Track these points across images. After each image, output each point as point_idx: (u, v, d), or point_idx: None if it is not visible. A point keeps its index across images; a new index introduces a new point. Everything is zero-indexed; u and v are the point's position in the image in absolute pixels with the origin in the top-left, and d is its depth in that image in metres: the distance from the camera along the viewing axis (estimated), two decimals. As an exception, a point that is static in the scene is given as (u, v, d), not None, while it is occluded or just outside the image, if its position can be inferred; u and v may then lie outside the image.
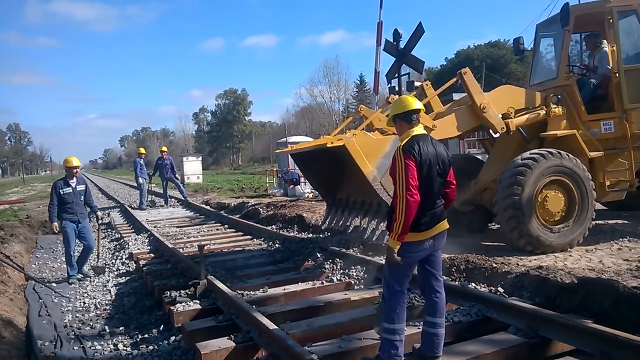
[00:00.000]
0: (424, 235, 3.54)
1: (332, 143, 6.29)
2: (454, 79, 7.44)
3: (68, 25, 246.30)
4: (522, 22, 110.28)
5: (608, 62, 7.74)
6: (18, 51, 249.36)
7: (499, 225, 7.37)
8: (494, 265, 5.84)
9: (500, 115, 7.33)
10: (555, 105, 7.44)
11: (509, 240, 7.04)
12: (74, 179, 8.20)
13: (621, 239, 7.13)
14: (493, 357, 3.77)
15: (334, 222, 7.71)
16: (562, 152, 6.98)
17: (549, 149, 7.00)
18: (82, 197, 8.29)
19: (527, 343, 3.92)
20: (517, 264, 5.91)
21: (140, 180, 17.28)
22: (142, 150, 19.04)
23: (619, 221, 8.42)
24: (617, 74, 7.48)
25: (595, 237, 7.44)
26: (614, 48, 7.54)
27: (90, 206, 8.61)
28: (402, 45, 12.69)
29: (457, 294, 5.02)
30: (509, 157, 7.40)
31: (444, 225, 3.67)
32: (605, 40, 7.99)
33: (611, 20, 7.53)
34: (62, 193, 8.05)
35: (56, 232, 8.41)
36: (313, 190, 18.07)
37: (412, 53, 12.55)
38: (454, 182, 3.79)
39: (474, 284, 5.48)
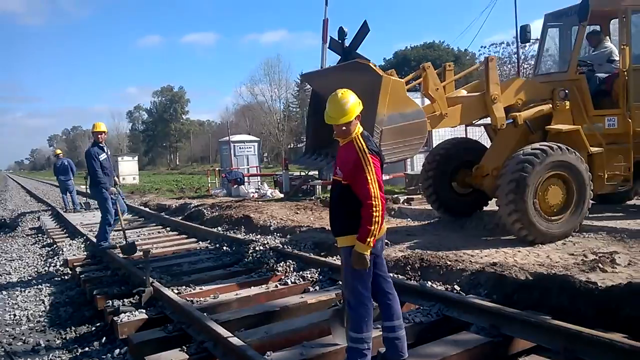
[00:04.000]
0: (381, 233, 3.46)
1: (374, 66, 6.34)
2: (477, 65, 7.53)
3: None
4: (457, 24, 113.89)
5: (615, 60, 8.00)
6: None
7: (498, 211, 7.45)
8: (448, 262, 5.84)
9: (506, 107, 7.48)
10: (563, 100, 7.59)
11: (505, 224, 7.20)
12: (104, 145, 8.12)
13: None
14: (458, 358, 3.71)
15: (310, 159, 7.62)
16: (569, 148, 7.14)
17: (558, 144, 7.13)
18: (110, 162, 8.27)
19: (492, 342, 3.89)
20: (470, 261, 5.94)
21: (72, 181, 16.41)
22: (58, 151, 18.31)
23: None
24: (626, 73, 7.69)
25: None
26: (624, 46, 7.65)
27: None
28: (347, 43, 12.63)
29: (416, 293, 4.97)
30: (512, 146, 7.56)
31: (385, 228, 3.61)
32: (607, 37, 8.29)
33: (625, 19, 7.75)
34: (101, 159, 7.87)
35: (114, 196, 8.22)
36: (257, 190, 17.77)
37: (357, 51, 12.52)
38: None
39: (430, 283, 5.44)
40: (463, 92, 8.10)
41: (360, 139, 3.41)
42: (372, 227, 3.26)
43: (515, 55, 27.92)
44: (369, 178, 3.28)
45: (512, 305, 4.43)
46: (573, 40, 8.19)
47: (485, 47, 41.57)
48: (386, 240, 7.36)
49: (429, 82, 7.04)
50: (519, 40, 22.91)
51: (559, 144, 7.12)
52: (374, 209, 3.25)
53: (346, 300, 3.59)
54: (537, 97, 7.76)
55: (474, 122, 8.49)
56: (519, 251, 6.67)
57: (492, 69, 7.37)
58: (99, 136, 8.39)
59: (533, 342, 3.85)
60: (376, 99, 6.07)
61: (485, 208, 9.11)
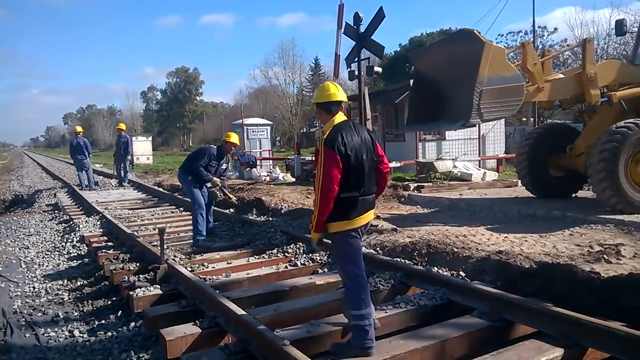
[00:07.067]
0: (355, 223, 3.60)
1: (478, 32, 7.16)
2: (574, 45, 8.36)
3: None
4: (474, 11, 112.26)
5: None
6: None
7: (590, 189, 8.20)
8: (455, 249, 5.96)
9: (602, 87, 8.15)
10: None
11: (600, 198, 7.81)
12: (225, 156, 8.05)
13: (572, 226, 7.39)
14: (460, 341, 3.83)
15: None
16: None
17: None
18: (220, 173, 8.13)
19: (492, 326, 4.01)
20: (477, 249, 6.05)
21: (87, 160, 16.64)
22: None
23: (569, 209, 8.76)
24: None
25: (548, 223, 7.71)
26: None
27: (222, 184, 8.34)
28: (362, 29, 12.65)
29: (422, 278, 5.10)
30: (607, 126, 7.97)
31: (372, 213, 3.78)
32: None
33: None
34: (210, 164, 7.77)
35: (218, 186, 8.10)
36: (269, 174, 17.93)
37: (372, 38, 12.54)
38: (383, 154, 3.88)
39: (436, 268, 5.56)
40: (560, 76, 8.73)
41: (330, 130, 3.56)
42: (314, 214, 3.54)
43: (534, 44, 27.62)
44: (319, 168, 3.47)
45: (515, 292, 4.53)
46: None
47: (502, 35, 41.15)
48: (394, 226, 7.55)
49: (528, 57, 7.88)
50: (535, 29, 22.71)
51: None
52: (316, 197, 3.50)
53: (343, 282, 3.77)
54: (633, 80, 8.34)
55: (570, 105, 9.37)
56: (525, 240, 6.76)
57: (589, 50, 8.18)
58: (230, 147, 7.91)
59: (534, 328, 3.97)
60: (478, 63, 6.81)
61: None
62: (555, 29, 38.68)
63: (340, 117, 3.64)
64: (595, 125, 8.75)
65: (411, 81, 15.90)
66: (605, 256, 5.51)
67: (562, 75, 8.77)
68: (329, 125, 3.60)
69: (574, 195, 9.82)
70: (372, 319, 3.60)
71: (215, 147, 7.98)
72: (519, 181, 10.30)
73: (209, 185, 8.02)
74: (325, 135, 3.53)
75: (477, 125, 8.66)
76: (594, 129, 8.65)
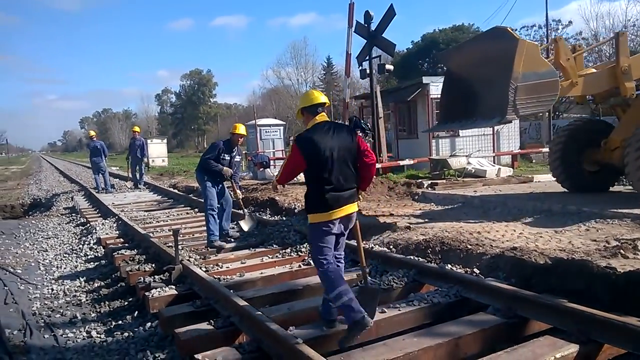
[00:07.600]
0: (330, 216, 3.82)
1: (511, 29, 7.31)
2: (607, 40, 8.56)
3: (31, 2, 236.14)
4: (486, 6, 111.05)
5: None
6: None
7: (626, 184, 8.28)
8: (469, 247, 5.93)
9: (637, 80, 8.17)
10: None
11: (636, 188, 7.92)
12: (236, 148, 7.91)
13: (588, 221, 7.31)
14: (473, 338, 3.82)
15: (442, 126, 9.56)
16: None
17: None
18: (235, 165, 8.00)
19: (506, 323, 3.99)
20: (491, 245, 6.02)
21: (104, 163, 16.83)
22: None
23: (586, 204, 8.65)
24: None
25: (563, 218, 7.64)
26: None
27: (233, 179, 8.10)
28: (373, 27, 12.64)
29: (435, 275, 5.09)
30: None
31: (351, 208, 3.95)
32: None
33: None
34: (220, 157, 7.67)
35: (229, 174, 7.81)
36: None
37: (383, 35, 12.52)
38: (366, 148, 4.06)
39: (449, 266, 5.55)
40: (593, 70, 8.76)
41: (306, 130, 3.98)
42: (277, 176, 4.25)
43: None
44: (287, 157, 4.05)
45: (530, 289, 4.51)
46: None
47: (516, 29, 40.71)
48: (407, 224, 7.54)
49: (561, 52, 7.98)
50: (549, 23, 22.45)
51: None
52: (279, 172, 4.16)
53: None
54: None
55: (603, 100, 9.30)
56: (541, 236, 6.70)
57: (622, 43, 8.23)
58: (237, 138, 7.78)
59: (548, 324, 3.94)
60: (512, 60, 6.86)
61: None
62: (570, 22, 38.24)
63: (320, 118, 4.00)
64: (630, 119, 8.71)
65: (423, 78, 15.90)
66: (622, 251, 5.45)
67: (594, 70, 8.75)
68: (310, 125, 3.97)
69: (609, 189, 9.73)
70: (352, 294, 3.75)
71: (222, 141, 7.98)
72: (554, 177, 10.08)
73: (226, 183, 8.00)
74: (301, 133, 3.95)
75: (512, 121, 8.66)
76: (629, 122, 8.61)
